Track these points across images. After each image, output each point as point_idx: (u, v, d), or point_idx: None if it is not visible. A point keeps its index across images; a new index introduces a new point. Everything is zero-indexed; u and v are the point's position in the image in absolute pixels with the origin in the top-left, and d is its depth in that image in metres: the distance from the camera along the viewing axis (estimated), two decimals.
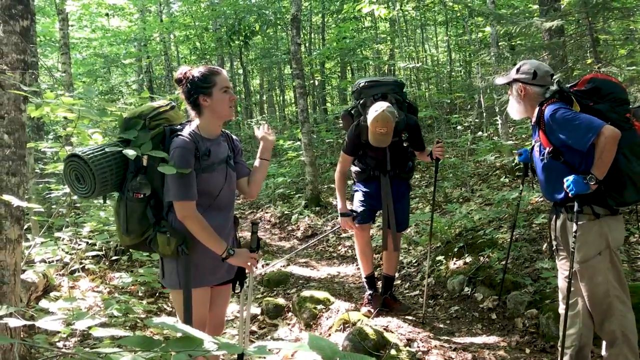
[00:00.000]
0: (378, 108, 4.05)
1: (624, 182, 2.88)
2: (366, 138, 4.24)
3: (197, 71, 2.81)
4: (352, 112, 4.54)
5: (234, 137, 3.09)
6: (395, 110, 4.11)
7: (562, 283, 3.16)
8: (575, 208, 2.91)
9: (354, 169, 4.57)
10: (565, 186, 2.89)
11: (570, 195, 2.89)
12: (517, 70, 3.22)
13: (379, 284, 4.76)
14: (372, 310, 4.42)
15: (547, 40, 6.61)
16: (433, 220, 4.79)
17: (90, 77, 19.10)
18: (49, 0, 15.35)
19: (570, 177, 2.87)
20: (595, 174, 2.83)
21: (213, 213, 2.84)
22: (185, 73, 2.82)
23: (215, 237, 2.76)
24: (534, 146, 3.25)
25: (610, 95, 2.98)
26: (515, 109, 3.28)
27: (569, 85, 3.16)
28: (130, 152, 2.58)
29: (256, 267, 2.97)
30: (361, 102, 4.40)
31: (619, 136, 2.80)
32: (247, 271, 2.97)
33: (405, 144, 4.36)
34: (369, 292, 4.59)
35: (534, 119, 3.14)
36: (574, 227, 2.92)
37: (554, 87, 3.11)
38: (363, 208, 4.45)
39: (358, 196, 4.51)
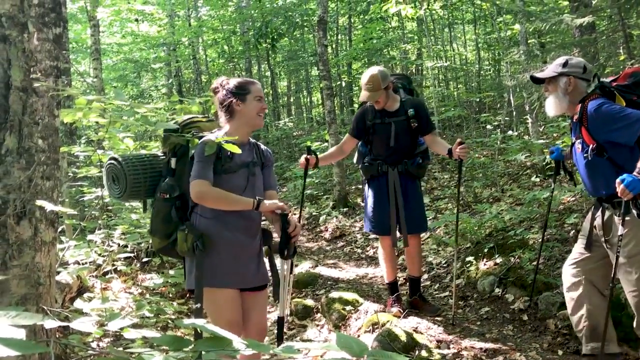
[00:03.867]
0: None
1: None
2: (371, 120, 4.37)
3: (234, 80, 2.98)
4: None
5: (263, 148, 3.13)
6: (386, 74, 4.27)
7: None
8: (623, 206, 2.81)
9: (362, 165, 4.60)
10: (622, 186, 2.72)
11: (631, 195, 2.72)
12: (564, 65, 3.12)
13: (403, 287, 4.73)
14: (401, 309, 4.39)
15: (578, 37, 6.50)
16: (460, 221, 4.74)
17: (121, 81, 19.43)
18: (80, 7, 15.65)
19: (628, 178, 2.71)
20: None
21: (234, 218, 2.88)
22: (222, 82, 2.99)
23: (238, 197, 2.81)
24: (574, 144, 3.17)
25: None
26: (555, 105, 3.15)
27: (608, 80, 3.09)
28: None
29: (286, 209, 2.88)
30: None
31: None
32: (292, 238, 2.90)
33: (412, 125, 4.33)
34: (392, 296, 4.59)
35: (575, 116, 3.06)
36: (619, 222, 2.88)
37: (595, 82, 3.05)
38: (379, 218, 4.43)
39: (370, 203, 4.50)
